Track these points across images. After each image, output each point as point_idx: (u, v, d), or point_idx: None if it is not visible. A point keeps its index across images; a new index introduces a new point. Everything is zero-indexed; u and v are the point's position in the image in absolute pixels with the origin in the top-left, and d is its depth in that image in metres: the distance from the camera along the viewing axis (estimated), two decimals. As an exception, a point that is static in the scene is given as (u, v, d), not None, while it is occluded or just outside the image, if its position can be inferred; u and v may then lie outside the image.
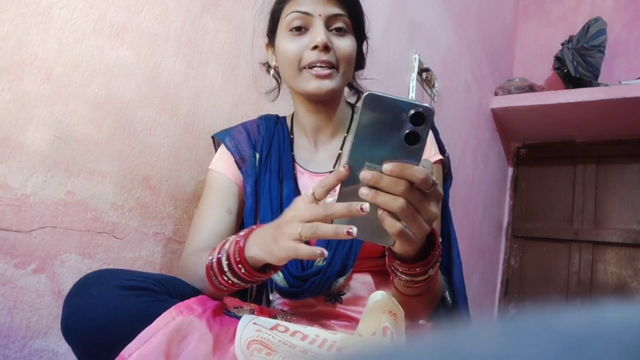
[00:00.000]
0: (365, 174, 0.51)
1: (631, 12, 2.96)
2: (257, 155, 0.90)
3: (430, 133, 0.87)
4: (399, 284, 0.67)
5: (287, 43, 0.81)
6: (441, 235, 0.86)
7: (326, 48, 0.79)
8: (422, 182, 0.51)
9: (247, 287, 0.72)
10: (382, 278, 0.83)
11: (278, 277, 0.82)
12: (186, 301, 0.64)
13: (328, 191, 0.56)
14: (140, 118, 0.94)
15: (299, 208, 0.57)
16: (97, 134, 0.86)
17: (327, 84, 0.80)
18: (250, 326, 0.64)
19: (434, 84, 2.06)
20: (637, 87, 2.47)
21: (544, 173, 3.16)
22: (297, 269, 0.81)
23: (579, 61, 2.74)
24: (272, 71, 0.92)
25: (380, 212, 0.52)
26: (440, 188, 0.55)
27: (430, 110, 0.50)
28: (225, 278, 0.67)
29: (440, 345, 0.14)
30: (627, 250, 2.77)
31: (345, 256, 0.79)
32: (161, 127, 0.97)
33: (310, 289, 0.79)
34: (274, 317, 0.79)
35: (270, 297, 0.92)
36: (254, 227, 0.68)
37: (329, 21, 0.81)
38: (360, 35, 0.88)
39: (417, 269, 0.61)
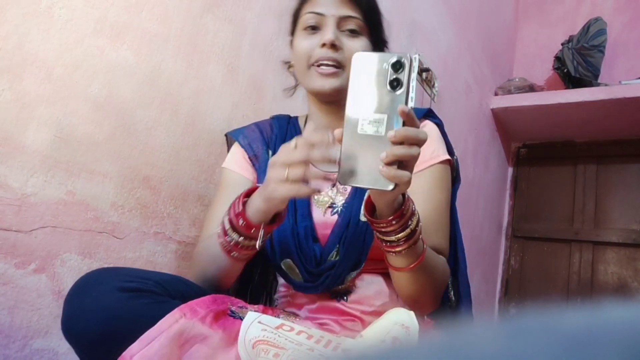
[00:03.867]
0: (391, 134, 0.57)
1: (631, 12, 2.96)
2: (270, 153, 0.92)
3: (439, 134, 0.89)
4: (389, 257, 0.71)
5: (300, 41, 0.86)
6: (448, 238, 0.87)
7: (333, 46, 0.81)
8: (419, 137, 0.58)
9: (255, 251, 0.75)
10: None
11: (292, 273, 0.84)
12: (190, 303, 0.64)
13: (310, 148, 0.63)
14: (140, 118, 0.94)
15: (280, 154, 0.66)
16: (98, 134, 0.87)
17: (332, 82, 0.82)
18: (256, 325, 0.63)
19: (434, 84, 2.06)
20: (637, 87, 2.47)
21: (544, 173, 3.16)
22: (312, 265, 0.82)
23: (579, 61, 2.74)
24: (292, 69, 0.95)
25: (383, 160, 0.57)
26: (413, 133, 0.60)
27: (407, 57, 0.57)
28: (229, 239, 0.72)
29: (442, 346, 0.15)
30: (628, 250, 2.77)
31: (358, 250, 0.80)
32: (161, 127, 0.98)
33: (325, 283, 0.81)
34: (277, 317, 0.79)
35: (274, 296, 0.92)
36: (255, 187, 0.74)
37: (341, 22, 0.84)
38: (376, 39, 0.89)
39: (394, 222, 0.65)
